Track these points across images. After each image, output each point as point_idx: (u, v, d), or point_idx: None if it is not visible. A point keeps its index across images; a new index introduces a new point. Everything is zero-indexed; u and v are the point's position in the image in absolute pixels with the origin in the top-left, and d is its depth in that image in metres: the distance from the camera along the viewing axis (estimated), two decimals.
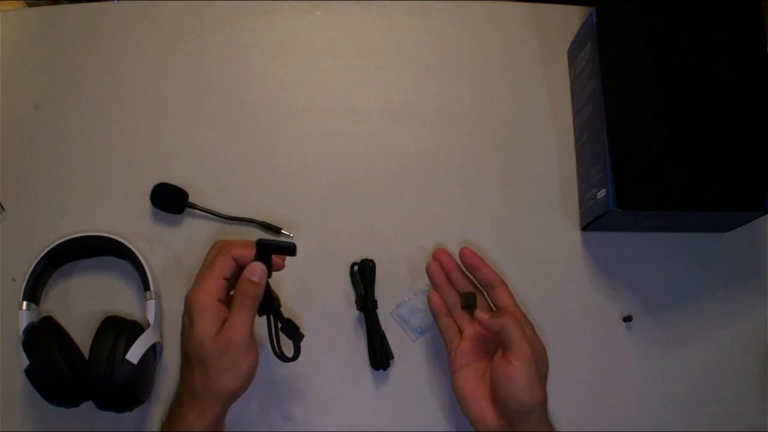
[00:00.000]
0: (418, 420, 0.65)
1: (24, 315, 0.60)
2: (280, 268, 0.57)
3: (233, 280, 0.56)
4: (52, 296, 0.66)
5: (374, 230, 0.70)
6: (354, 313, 0.67)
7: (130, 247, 0.64)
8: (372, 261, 0.67)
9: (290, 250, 0.54)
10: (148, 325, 0.61)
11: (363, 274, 0.67)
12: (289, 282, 0.68)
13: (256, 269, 0.54)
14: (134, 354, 0.58)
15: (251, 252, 0.54)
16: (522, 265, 0.70)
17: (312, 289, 0.68)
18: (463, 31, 0.77)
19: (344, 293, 0.68)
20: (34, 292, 0.62)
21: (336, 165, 0.72)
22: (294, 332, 0.57)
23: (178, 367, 0.64)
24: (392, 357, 0.65)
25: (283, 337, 0.57)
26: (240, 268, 0.55)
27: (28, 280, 0.62)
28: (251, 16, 0.76)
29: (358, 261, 0.67)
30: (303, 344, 0.57)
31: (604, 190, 0.64)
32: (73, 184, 0.70)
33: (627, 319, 0.69)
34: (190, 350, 0.53)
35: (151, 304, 0.62)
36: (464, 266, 0.62)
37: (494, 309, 0.61)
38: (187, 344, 0.53)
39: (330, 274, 0.68)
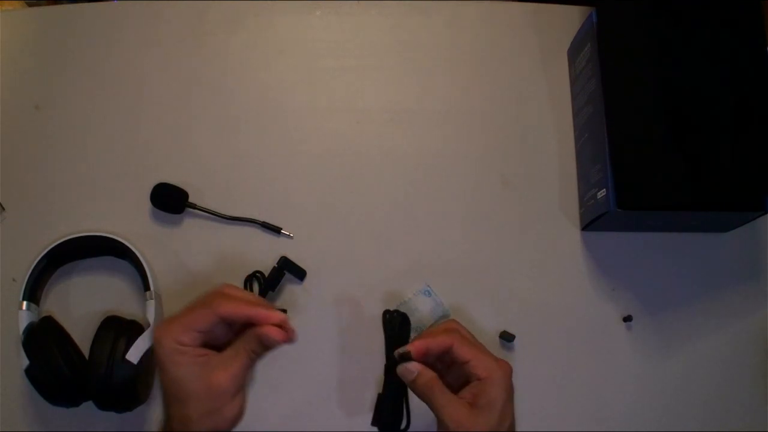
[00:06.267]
0: (418, 420, 0.65)
1: (24, 315, 0.60)
2: (278, 341, 0.49)
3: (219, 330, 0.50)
4: (52, 296, 0.66)
5: (374, 229, 0.70)
6: (355, 320, 0.67)
7: (130, 247, 0.64)
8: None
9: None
10: (148, 325, 0.61)
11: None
12: (287, 280, 0.68)
13: (277, 335, 0.48)
14: (134, 354, 0.58)
15: (243, 314, 0.49)
16: (522, 265, 0.70)
17: (310, 288, 0.68)
18: (464, 31, 0.77)
19: (345, 292, 0.68)
20: (34, 292, 0.62)
21: (336, 165, 0.72)
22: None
23: None
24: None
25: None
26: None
27: (28, 280, 0.62)
28: (251, 16, 0.76)
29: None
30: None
31: (604, 190, 0.64)
32: (73, 184, 0.70)
33: (627, 319, 0.69)
34: (167, 389, 0.49)
35: (151, 304, 0.62)
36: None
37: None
38: (164, 383, 0.49)
39: (330, 274, 0.68)
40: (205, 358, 0.48)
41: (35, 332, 0.60)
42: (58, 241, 0.64)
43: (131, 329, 0.60)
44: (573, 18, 0.76)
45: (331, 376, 0.66)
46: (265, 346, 0.49)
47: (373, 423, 0.51)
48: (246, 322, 0.49)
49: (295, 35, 0.76)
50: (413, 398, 0.51)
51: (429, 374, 0.50)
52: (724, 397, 0.68)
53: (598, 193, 0.65)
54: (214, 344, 0.50)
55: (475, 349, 0.50)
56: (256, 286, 0.67)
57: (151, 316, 0.62)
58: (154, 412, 0.64)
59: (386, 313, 0.52)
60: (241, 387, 0.49)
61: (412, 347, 0.50)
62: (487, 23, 0.77)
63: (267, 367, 0.64)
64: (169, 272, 0.67)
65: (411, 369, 0.50)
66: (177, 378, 0.47)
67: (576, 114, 0.73)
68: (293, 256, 0.68)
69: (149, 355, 0.60)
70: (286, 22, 0.76)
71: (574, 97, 0.74)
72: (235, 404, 0.48)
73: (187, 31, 0.75)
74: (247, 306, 0.49)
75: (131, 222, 0.68)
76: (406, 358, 0.50)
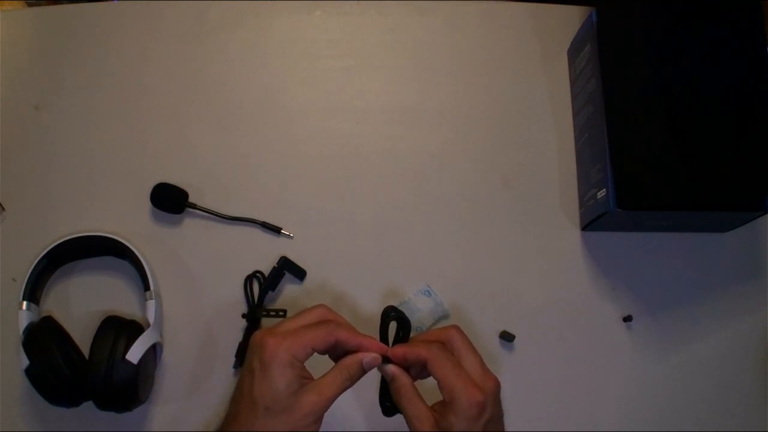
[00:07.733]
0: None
1: (24, 315, 0.60)
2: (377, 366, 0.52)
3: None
4: (52, 296, 0.66)
5: (374, 229, 0.70)
6: (355, 321, 0.67)
7: (130, 247, 0.64)
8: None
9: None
10: (148, 325, 0.61)
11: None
12: (287, 280, 0.68)
13: (375, 361, 0.51)
14: (134, 354, 0.58)
15: (356, 341, 0.51)
16: (522, 265, 0.70)
17: (310, 288, 0.68)
18: (463, 31, 0.77)
19: (345, 292, 0.68)
20: (34, 292, 0.62)
21: (336, 165, 0.72)
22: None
23: (177, 367, 0.65)
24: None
25: None
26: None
27: (28, 280, 0.62)
28: (251, 16, 0.76)
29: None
30: None
31: (604, 190, 0.64)
32: (74, 184, 0.70)
33: (627, 319, 0.69)
34: (261, 397, 0.49)
35: (151, 304, 0.62)
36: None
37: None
38: (260, 390, 0.49)
39: (330, 274, 0.68)
40: (308, 379, 0.50)
41: (35, 332, 0.60)
42: (58, 241, 0.63)
43: (131, 329, 0.60)
44: (573, 18, 0.76)
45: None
46: (363, 373, 0.51)
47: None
48: (354, 349, 0.51)
49: (295, 35, 0.76)
50: (422, 384, 0.51)
51: (403, 380, 0.51)
52: (724, 397, 0.68)
53: (598, 193, 0.65)
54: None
55: (447, 369, 0.49)
56: (256, 286, 0.67)
57: (151, 316, 0.62)
58: (154, 412, 0.64)
59: (387, 308, 0.53)
60: (325, 413, 0.50)
61: (391, 351, 0.51)
62: (487, 23, 0.77)
63: None
64: (169, 272, 0.67)
65: (387, 371, 0.51)
66: (280, 390, 0.48)
67: (576, 114, 0.73)
68: (293, 256, 0.68)
69: (149, 355, 0.60)
70: (286, 22, 0.76)
71: (574, 97, 0.74)
72: (315, 427, 0.49)
73: (187, 31, 0.75)
74: (359, 334, 0.51)
75: (131, 222, 0.68)
76: (386, 359, 0.51)
